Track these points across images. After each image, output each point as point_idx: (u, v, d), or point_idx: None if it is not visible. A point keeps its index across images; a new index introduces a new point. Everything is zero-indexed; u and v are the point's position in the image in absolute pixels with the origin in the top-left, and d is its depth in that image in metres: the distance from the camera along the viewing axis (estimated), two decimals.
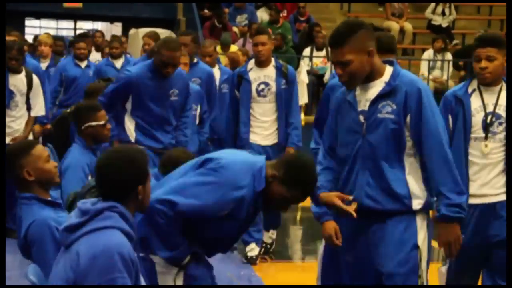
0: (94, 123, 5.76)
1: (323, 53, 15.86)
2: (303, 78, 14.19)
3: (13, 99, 7.93)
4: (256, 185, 4.11)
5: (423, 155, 4.18)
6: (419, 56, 17.37)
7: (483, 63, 4.85)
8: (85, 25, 22.73)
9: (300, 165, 4.22)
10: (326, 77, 15.17)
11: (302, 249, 9.41)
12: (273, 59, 7.67)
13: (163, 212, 4.01)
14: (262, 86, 7.45)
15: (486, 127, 5.01)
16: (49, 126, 8.88)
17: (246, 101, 7.49)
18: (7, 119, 7.87)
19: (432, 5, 18.91)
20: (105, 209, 3.68)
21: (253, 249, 7.62)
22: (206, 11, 17.93)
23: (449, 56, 16.44)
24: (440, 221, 4.14)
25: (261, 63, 7.53)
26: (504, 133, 5.01)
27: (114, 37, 12.59)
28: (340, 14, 19.41)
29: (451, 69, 16.28)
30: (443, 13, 18.80)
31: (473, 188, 4.82)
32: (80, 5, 18.94)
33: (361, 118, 4.26)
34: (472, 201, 4.69)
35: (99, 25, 22.68)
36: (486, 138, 5.00)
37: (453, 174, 4.11)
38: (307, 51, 15.75)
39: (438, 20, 18.73)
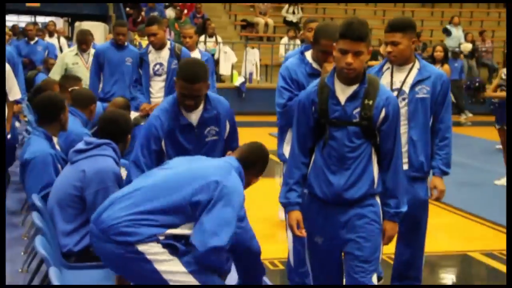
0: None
1: (213, 39, 16.71)
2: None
3: None
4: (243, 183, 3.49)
5: None
6: (279, 42, 18.19)
7: (388, 48, 4.25)
8: (41, 19, 21.71)
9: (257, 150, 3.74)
10: (216, 55, 16.10)
11: None
12: (168, 42, 6.84)
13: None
14: (158, 66, 6.68)
15: None
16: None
17: (145, 79, 6.73)
18: None
19: (286, 6, 19.99)
20: (104, 144, 4.13)
21: None
22: (128, 9, 18.35)
23: (298, 42, 16.61)
24: None
25: (157, 48, 6.72)
26: (406, 108, 4.32)
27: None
28: (224, 13, 20.70)
29: None
30: (294, 12, 19.85)
31: None
32: (38, 4, 19.17)
33: None
34: None
35: (52, 19, 20.99)
36: None
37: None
38: (202, 38, 16.24)
39: (290, 17, 19.76)
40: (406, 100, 4.33)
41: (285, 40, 17.82)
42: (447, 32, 18.92)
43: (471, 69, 17.78)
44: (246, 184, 3.61)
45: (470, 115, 15.78)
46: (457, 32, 19.09)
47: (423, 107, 4.30)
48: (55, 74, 8.09)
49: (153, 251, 3.18)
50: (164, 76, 6.68)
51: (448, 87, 4.39)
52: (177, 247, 3.23)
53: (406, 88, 4.34)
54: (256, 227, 5.44)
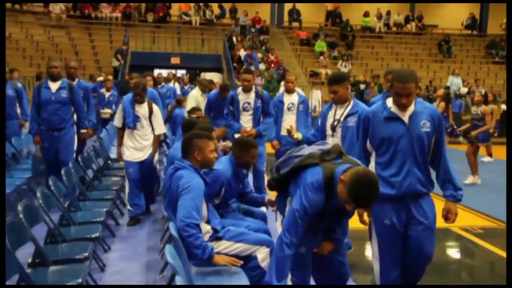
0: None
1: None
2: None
3: (139, 122, 6.09)
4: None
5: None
6: None
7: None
8: (180, 72, 21.63)
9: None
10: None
11: None
12: (253, 87, 6.49)
13: None
14: (246, 104, 6.41)
15: (333, 128, 4.42)
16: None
17: (237, 113, 6.45)
18: (137, 137, 6.13)
19: (340, 61, 20.17)
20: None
21: None
22: (235, 64, 18.87)
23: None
24: None
25: (246, 90, 6.46)
26: (340, 132, 4.37)
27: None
28: (298, 65, 20.25)
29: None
30: (345, 66, 20.02)
31: None
32: (178, 61, 19.85)
33: None
34: None
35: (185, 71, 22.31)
36: (332, 135, 4.45)
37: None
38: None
39: (343, 69, 19.61)
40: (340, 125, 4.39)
41: None
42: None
43: (467, 105, 17.68)
44: (208, 159, 3.49)
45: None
46: (457, 80, 19.30)
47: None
48: (190, 105, 8.20)
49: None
50: (251, 112, 6.43)
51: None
52: (218, 236, 3.46)
53: (342, 118, 4.39)
54: None
